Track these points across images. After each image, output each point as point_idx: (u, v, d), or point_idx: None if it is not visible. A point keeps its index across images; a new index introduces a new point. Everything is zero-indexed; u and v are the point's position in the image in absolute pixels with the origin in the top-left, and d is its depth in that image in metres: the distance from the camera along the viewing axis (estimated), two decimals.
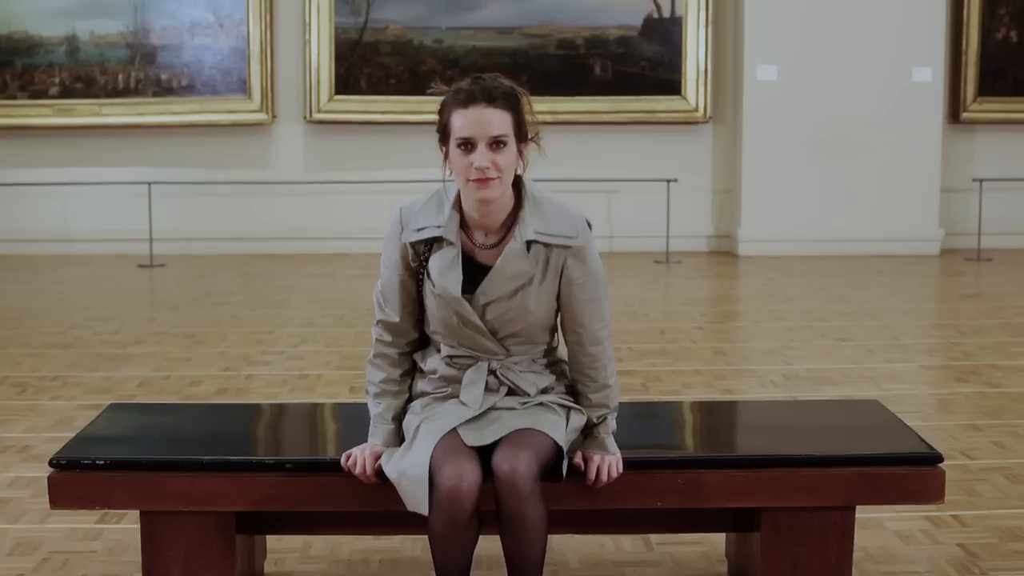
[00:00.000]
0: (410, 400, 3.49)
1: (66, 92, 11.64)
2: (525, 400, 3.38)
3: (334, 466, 3.38)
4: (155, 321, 8.53)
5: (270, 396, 6.32)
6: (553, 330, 3.50)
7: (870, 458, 3.47)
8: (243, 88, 11.64)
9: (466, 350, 3.40)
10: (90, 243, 11.66)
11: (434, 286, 3.34)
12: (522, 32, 11.57)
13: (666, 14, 11.79)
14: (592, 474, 3.36)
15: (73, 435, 3.78)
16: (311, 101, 11.60)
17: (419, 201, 3.43)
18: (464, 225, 3.37)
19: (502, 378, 3.39)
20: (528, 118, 3.34)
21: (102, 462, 3.39)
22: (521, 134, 3.31)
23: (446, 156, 3.32)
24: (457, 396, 3.39)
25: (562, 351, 3.53)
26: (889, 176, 11.55)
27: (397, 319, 3.45)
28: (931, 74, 11.56)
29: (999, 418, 5.81)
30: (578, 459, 3.39)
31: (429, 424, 3.30)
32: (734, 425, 4.08)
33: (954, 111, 12.02)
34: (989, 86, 12.01)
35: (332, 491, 3.40)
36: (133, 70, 11.64)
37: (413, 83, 11.50)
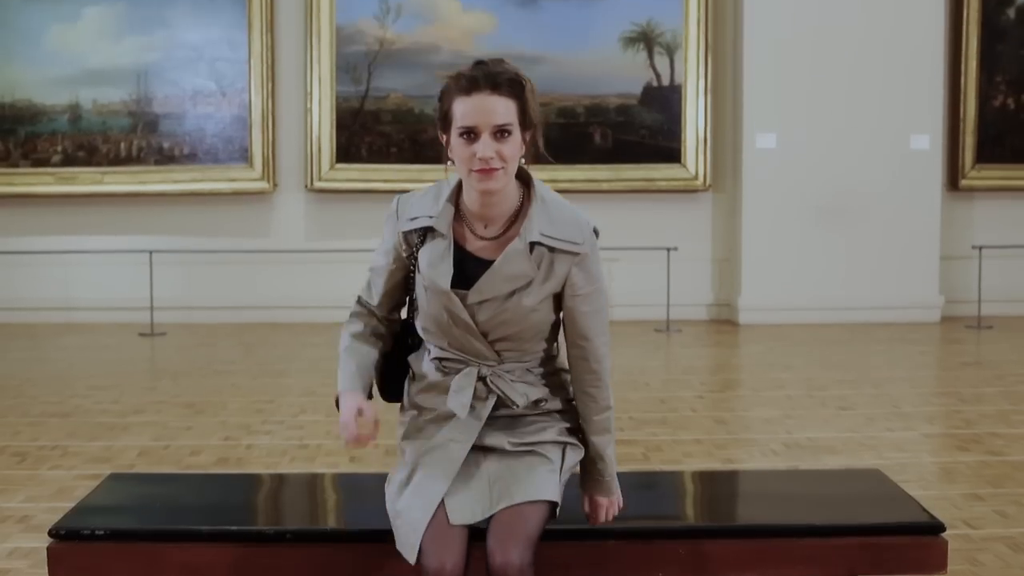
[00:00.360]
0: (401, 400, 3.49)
1: (68, 160, 11.69)
2: (516, 439, 3.27)
3: (335, 536, 3.38)
4: (155, 390, 8.52)
5: (270, 466, 6.30)
6: (551, 340, 3.38)
7: (872, 528, 3.46)
8: (245, 156, 11.69)
9: (456, 353, 3.29)
10: (91, 311, 11.66)
11: (423, 278, 3.26)
12: None
13: (665, 82, 11.86)
14: (601, 518, 3.38)
15: (72, 505, 3.76)
16: (312, 169, 11.65)
17: (417, 191, 3.36)
18: (463, 217, 3.27)
19: (491, 386, 3.27)
20: (533, 106, 3.20)
21: (102, 532, 3.38)
22: (526, 122, 3.18)
23: (447, 145, 3.20)
24: (448, 413, 3.29)
25: (561, 361, 3.46)
26: (889, 243, 11.57)
27: (375, 303, 3.43)
28: (929, 141, 11.61)
29: (1001, 487, 5.79)
30: (586, 506, 3.40)
31: (423, 478, 3.23)
32: (735, 495, 4.06)
33: (953, 178, 12.07)
34: (987, 153, 12.07)
35: (333, 560, 3.39)
36: (135, 138, 11.70)
37: (414, 151, 11.56)
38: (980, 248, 11.57)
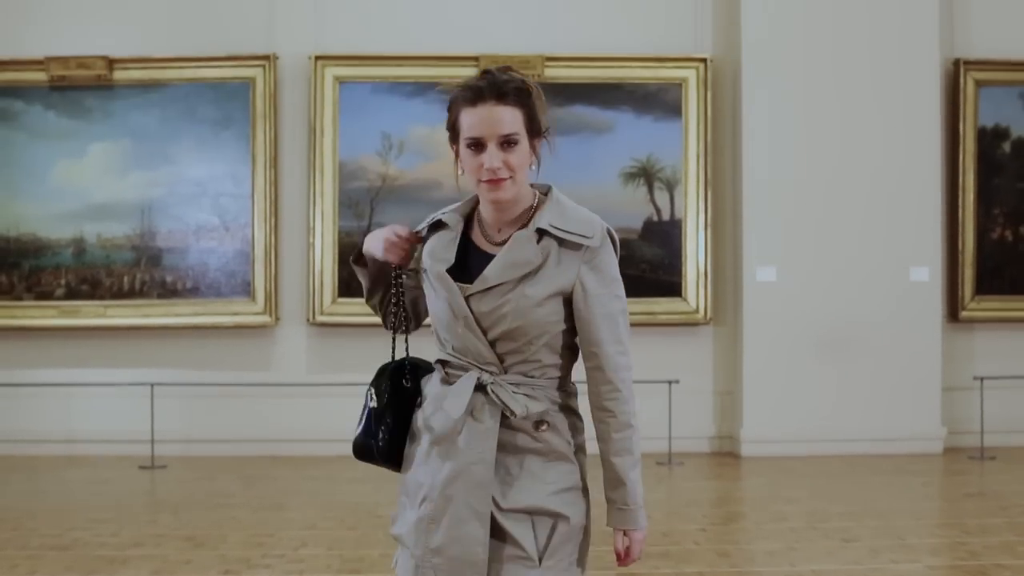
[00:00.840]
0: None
1: (72, 293, 11.75)
2: (508, 500, 3.17)
3: None
4: (155, 523, 8.47)
5: None
6: (563, 358, 3.26)
7: None
8: (247, 291, 11.75)
9: (459, 357, 3.24)
10: (92, 444, 11.63)
11: (428, 270, 3.25)
12: None
13: (666, 217, 11.95)
14: (634, 555, 3.34)
15: None
16: (314, 303, 11.70)
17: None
18: (479, 222, 3.27)
19: (492, 395, 3.17)
20: (541, 113, 3.21)
21: None
22: (534, 130, 3.19)
23: (457, 156, 3.22)
24: (437, 444, 3.23)
25: (573, 389, 3.35)
26: (890, 375, 11.58)
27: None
28: (929, 273, 11.69)
29: None
30: (618, 543, 3.32)
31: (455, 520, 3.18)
32: None
33: (953, 310, 12.11)
34: (986, 285, 12.13)
35: None
36: (139, 272, 11.78)
37: None
38: (981, 379, 11.57)
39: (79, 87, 11.69)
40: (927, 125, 11.77)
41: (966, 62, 12.04)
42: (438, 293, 3.23)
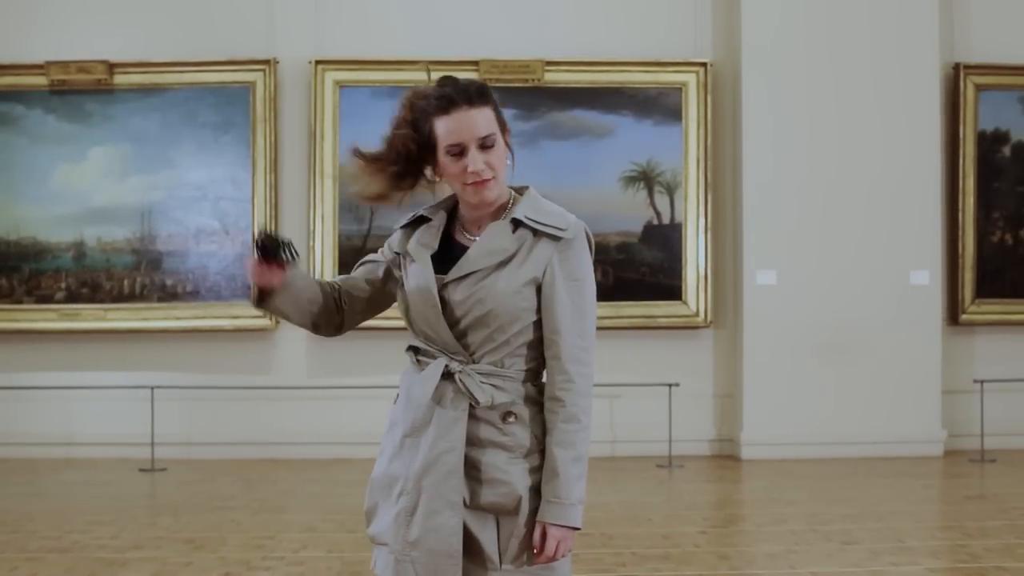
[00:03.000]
0: None
1: (72, 297, 11.76)
2: (475, 494, 3.19)
3: None
4: (155, 526, 8.47)
5: None
6: (533, 348, 3.26)
7: None
8: (247, 294, 11.71)
9: (429, 344, 3.27)
10: (92, 447, 11.63)
11: (411, 259, 3.30)
12: None
13: (666, 221, 11.96)
14: (549, 551, 3.19)
15: None
16: None
17: None
18: (459, 220, 3.35)
19: (459, 383, 3.18)
20: (499, 109, 3.29)
21: None
22: (503, 126, 3.27)
23: (435, 167, 3.29)
24: (405, 435, 3.28)
25: (544, 387, 3.33)
26: (890, 378, 11.58)
27: (345, 278, 3.51)
28: (929, 277, 11.69)
29: None
30: (535, 535, 3.19)
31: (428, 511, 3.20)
32: None
33: (953, 313, 12.12)
34: (987, 288, 12.13)
35: None
36: (139, 275, 11.78)
37: None
38: (982, 382, 11.58)
39: (79, 91, 11.69)
40: (927, 129, 11.78)
41: (966, 66, 12.05)
42: (414, 279, 3.27)
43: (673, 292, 11.88)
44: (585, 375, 3.24)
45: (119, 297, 11.77)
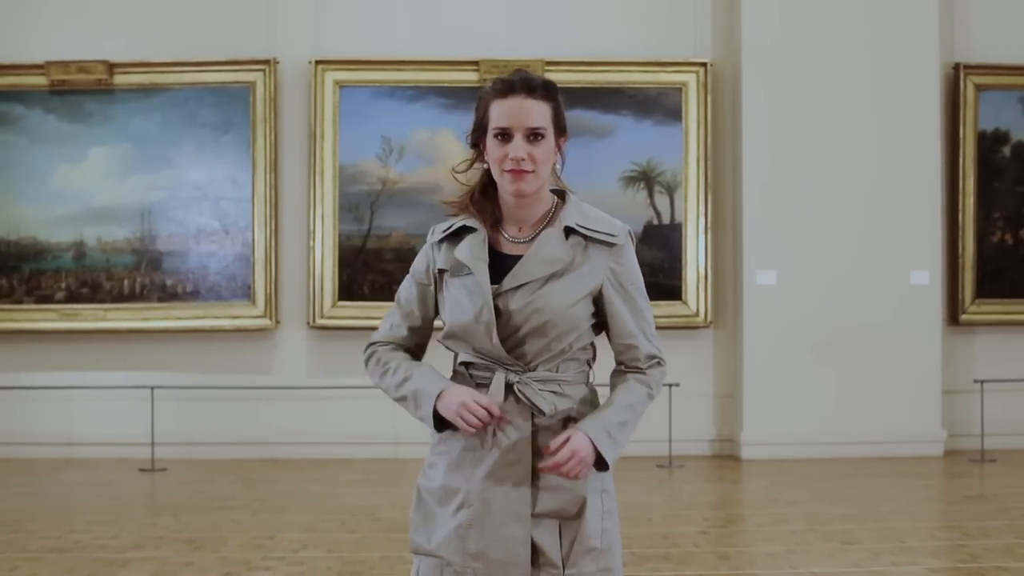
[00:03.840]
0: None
1: (72, 297, 11.76)
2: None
3: None
4: (155, 526, 8.46)
5: None
6: (587, 352, 3.31)
7: None
8: (247, 294, 11.75)
9: (483, 358, 3.21)
10: (92, 447, 11.63)
11: (467, 271, 3.20)
12: None
13: (666, 221, 11.96)
14: (562, 457, 3.08)
15: None
16: (315, 307, 11.70)
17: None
18: (497, 220, 3.28)
19: (519, 394, 3.16)
20: (564, 113, 3.25)
21: None
22: (560, 128, 3.22)
23: (478, 156, 3.26)
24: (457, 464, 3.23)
25: (594, 380, 3.36)
26: (890, 378, 11.58)
27: (405, 333, 3.38)
28: (929, 277, 11.69)
29: None
30: (561, 438, 3.13)
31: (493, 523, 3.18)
32: None
33: (953, 313, 12.12)
34: (987, 288, 12.13)
35: None
36: (139, 275, 11.78)
37: None
38: (982, 382, 11.58)
39: (79, 91, 11.69)
40: (927, 129, 11.78)
41: (966, 66, 12.05)
42: (467, 292, 3.21)
43: (673, 292, 11.88)
44: (664, 366, 3.33)
45: (119, 297, 11.77)
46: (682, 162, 11.90)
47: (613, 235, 3.23)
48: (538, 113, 3.16)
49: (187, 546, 7.69)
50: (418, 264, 3.40)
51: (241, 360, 11.82)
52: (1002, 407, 11.80)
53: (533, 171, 3.16)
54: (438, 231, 3.33)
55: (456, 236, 3.30)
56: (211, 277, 11.79)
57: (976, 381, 11.67)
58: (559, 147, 3.24)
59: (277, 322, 11.76)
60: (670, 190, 11.93)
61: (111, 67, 11.64)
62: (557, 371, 3.23)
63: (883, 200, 11.66)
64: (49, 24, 11.80)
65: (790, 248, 11.62)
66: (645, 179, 11.94)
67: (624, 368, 3.32)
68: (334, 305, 11.72)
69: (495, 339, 3.17)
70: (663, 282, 11.85)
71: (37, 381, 11.64)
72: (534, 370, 3.20)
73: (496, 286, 3.17)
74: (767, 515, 8.83)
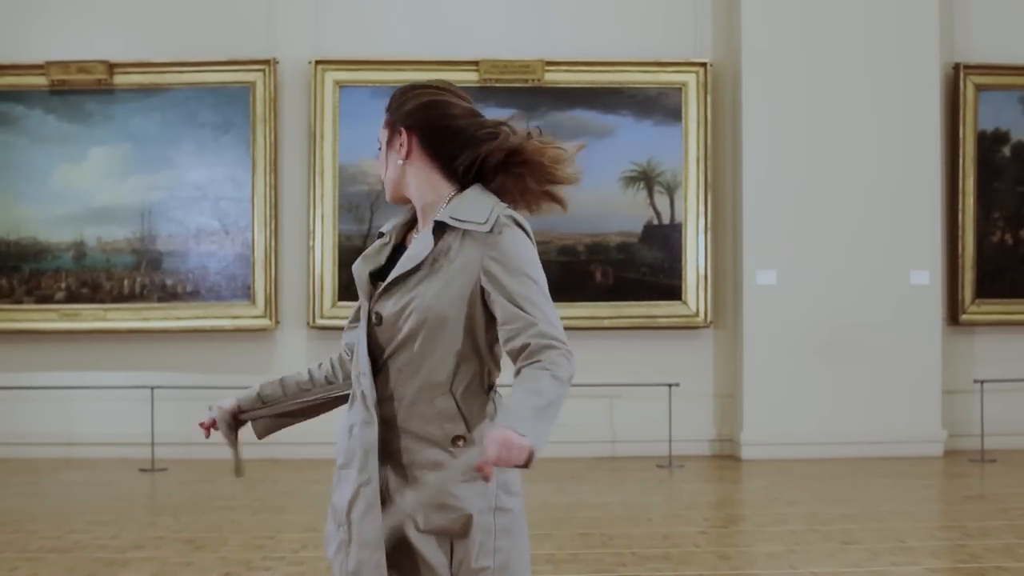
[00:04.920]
0: None
1: (72, 297, 11.76)
2: (424, 513, 3.07)
3: None
4: (155, 526, 8.47)
5: None
6: (472, 356, 3.10)
7: None
8: (247, 294, 11.75)
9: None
10: (92, 447, 11.63)
11: (354, 271, 3.24)
12: None
13: (666, 221, 11.96)
14: (490, 455, 2.81)
15: None
16: (314, 307, 11.70)
17: None
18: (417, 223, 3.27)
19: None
20: (400, 108, 3.21)
21: None
22: (390, 128, 3.23)
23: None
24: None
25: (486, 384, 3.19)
26: (890, 378, 11.58)
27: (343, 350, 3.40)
28: (929, 277, 11.70)
29: None
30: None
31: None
32: None
33: (953, 313, 12.12)
34: (987, 288, 12.14)
35: None
36: (139, 275, 11.78)
37: None
38: (982, 382, 11.58)
39: (79, 91, 11.70)
40: (927, 129, 11.78)
41: (966, 66, 12.06)
42: (361, 291, 3.24)
43: (673, 292, 11.88)
44: (562, 349, 3.00)
45: (119, 297, 11.77)
46: (682, 162, 11.90)
47: (480, 223, 3.04)
48: (380, 130, 3.28)
49: (187, 546, 7.69)
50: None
51: (241, 360, 11.82)
52: (1002, 407, 11.80)
53: (383, 180, 3.28)
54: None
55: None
56: (211, 277, 11.79)
57: (976, 381, 11.67)
58: (392, 144, 3.23)
59: (277, 322, 11.76)
60: (670, 190, 11.93)
61: (111, 67, 11.65)
62: (437, 387, 3.11)
63: (883, 200, 11.66)
64: (49, 24, 11.80)
65: (790, 248, 11.62)
66: (645, 179, 11.94)
67: (520, 368, 3.03)
68: (334, 305, 11.72)
69: (363, 349, 3.14)
70: (663, 282, 11.86)
71: (37, 381, 11.64)
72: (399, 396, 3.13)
73: (374, 288, 3.17)
74: (767, 515, 8.83)
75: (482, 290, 3.06)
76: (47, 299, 11.77)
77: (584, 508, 9.09)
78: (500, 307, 3.03)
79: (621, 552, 7.45)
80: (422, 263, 3.08)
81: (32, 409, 11.67)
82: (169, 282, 11.80)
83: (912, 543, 7.75)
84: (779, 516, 8.73)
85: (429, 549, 3.09)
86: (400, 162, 3.21)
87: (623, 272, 11.86)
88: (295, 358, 11.80)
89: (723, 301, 12.04)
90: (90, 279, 11.79)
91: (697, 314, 11.86)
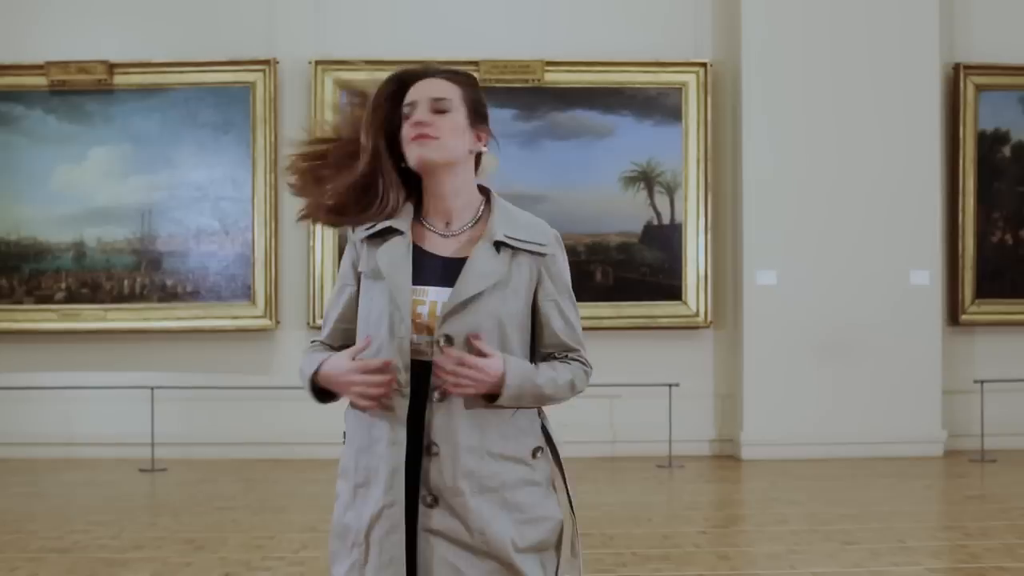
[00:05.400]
0: None
1: (72, 297, 11.75)
2: (471, 529, 3.01)
3: None
4: (155, 526, 8.46)
5: None
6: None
7: None
8: (247, 294, 11.75)
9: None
10: (92, 447, 11.63)
11: (383, 279, 3.05)
12: None
13: (666, 221, 11.96)
14: (446, 363, 2.91)
15: None
16: (315, 307, 11.70)
17: None
18: (422, 216, 3.15)
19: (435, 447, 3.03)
20: (482, 102, 3.15)
21: None
22: (475, 112, 3.12)
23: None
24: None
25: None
26: (890, 378, 11.58)
27: (339, 334, 3.27)
28: (929, 277, 11.69)
29: None
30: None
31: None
32: None
33: (953, 313, 12.11)
34: (987, 288, 12.13)
35: None
36: (139, 276, 11.78)
37: None
38: (982, 382, 11.58)
39: (79, 91, 11.69)
40: (927, 129, 11.78)
41: (966, 66, 12.05)
42: (395, 303, 3.05)
43: (673, 292, 11.88)
44: (588, 371, 3.23)
45: (119, 297, 11.77)
46: (682, 162, 11.90)
47: (542, 244, 3.10)
48: (441, 87, 3.09)
49: (187, 546, 7.69)
50: (344, 267, 3.24)
51: (241, 360, 11.82)
52: (1002, 407, 11.80)
53: (437, 138, 3.03)
54: (361, 229, 3.17)
55: (380, 236, 3.14)
56: (211, 277, 11.79)
57: (976, 381, 11.66)
58: (479, 136, 3.15)
59: (277, 322, 11.76)
60: (670, 190, 11.92)
61: (111, 67, 11.65)
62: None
63: (883, 200, 11.66)
64: (49, 24, 11.80)
65: (790, 248, 11.62)
66: (645, 179, 11.94)
67: (555, 356, 3.18)
68: None
69: (407, 357, 3.03)
70: (663, 282, 11.85)
71: (37, 381, 11.64)
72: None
73: (422, 287, 3.05)
74: (767, 515, 8.83)
75: (534, 301, 3.13)
76: (47, 299, 11.77)
77: (584, 508, 9.05)
78: (549, 327, 3.14)
79: (621, 552, 7.44)
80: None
81: (32, 409, 11.67)
82: (169, 282, 11.79)
83: (912, 543, 7.74)
84: (779, 516, 8.72)
85: (531, 567, 3.05)
86: (471, 149, 3.13)
87: (623, 272, 11.86)
88: (295, 358, 11.74)
89: (723, 301, 12.03)
90: (90, 279, 11.79)
91: (697, 314, 11.86)
